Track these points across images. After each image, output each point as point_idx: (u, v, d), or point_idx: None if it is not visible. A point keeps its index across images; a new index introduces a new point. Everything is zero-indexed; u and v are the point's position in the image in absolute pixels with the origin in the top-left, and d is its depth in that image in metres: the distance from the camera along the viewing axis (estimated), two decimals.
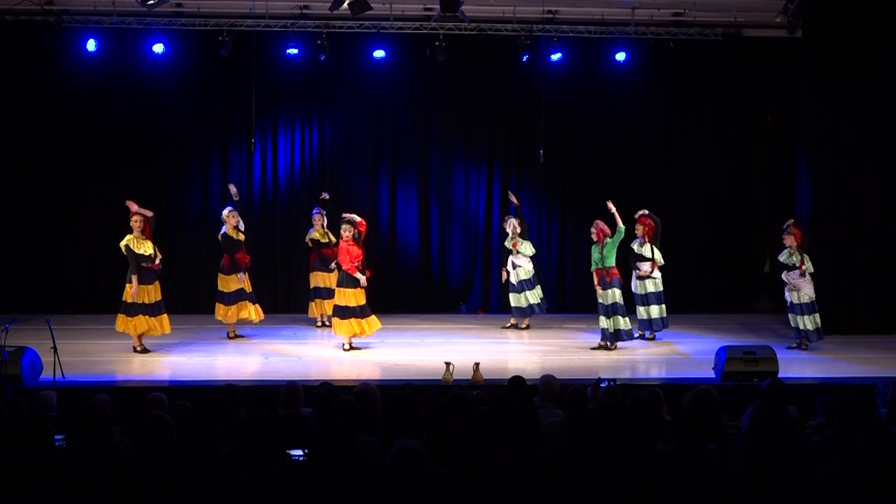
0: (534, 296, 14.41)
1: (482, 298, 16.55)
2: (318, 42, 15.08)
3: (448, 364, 10.80)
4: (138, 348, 12.56)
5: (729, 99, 16.57)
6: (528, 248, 14.37)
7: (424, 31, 15.34)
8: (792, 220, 13.28)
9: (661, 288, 13.49)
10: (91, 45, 14.96)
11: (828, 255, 14.53)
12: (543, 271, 16.23)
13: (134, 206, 12.66)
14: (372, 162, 16.45)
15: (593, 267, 12.96)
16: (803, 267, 12.89)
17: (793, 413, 7.27)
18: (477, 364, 10.86)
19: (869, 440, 5.26)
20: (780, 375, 10.00)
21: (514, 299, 14.40)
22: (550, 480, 5.15)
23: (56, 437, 5.86)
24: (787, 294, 13.18)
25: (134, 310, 12.49)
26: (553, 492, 5.10)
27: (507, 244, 14.43)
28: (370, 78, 16.11)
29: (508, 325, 14.58)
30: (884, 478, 5.13)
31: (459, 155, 16.57)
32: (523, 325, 14.52)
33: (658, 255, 13.46)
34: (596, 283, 12.88)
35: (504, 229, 14.58)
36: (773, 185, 16.62)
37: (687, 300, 16.14)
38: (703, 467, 5.44)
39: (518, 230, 14.40)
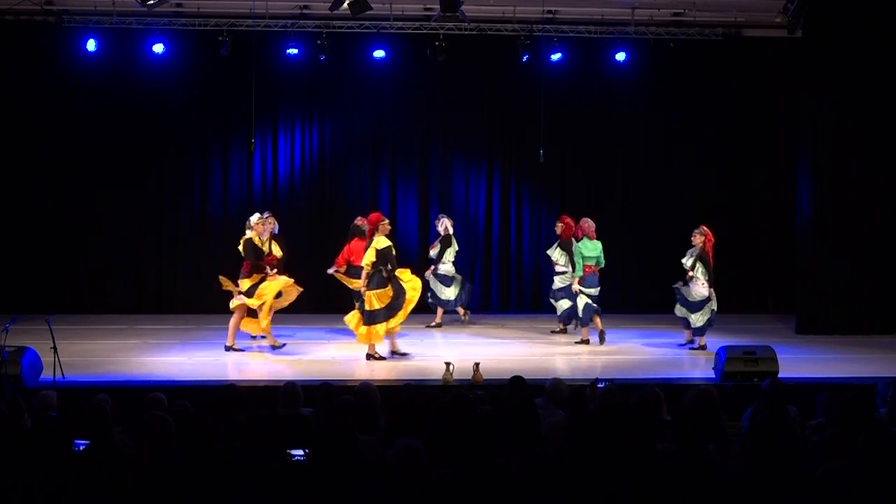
0: (451, 292, 14.61)
1: (482, 298, 16.56)
2: (318, 42, 15.08)
3: (448, 364, 10.81)
4: (375, 356, 12.21)
5: (729, 99, 16.56)
6: (448, 252, 14.46)
7: (424, 31, 15.34)
8: (704, 225, 13.20)
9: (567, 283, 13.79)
10: (91, 45, 14.96)
11: (828, 255, 14.55)
12: (543, 271, 16.26)
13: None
14: (372, 162, 16.46)
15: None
16: (690, 273, 12.89)
17: (793, 413, 7.27)
18: (477, 364, 10.86)
19: (869, 440, 5.26)
20: (780, 375, 9.99)
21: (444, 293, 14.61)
22: (550, 480, 5.15)
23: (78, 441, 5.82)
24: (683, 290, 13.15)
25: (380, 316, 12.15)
26: (553, 492, 5.10)
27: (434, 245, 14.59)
28: (370, 78, 16.12)
29: (434, 323, 14.69)
30: (884, 478, 5.13)
31: (459, 155, 16.58)
32: (438, 321, 14.71)
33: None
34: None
35: (438, 227, 14.59)
36: (773, 185, 16.62)
37: None
38: (703, 467, 5.43)
39: (450, 231, 14.46)
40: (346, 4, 12.92)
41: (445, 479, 5.11)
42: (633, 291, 16.39)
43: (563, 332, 14.03)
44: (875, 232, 14.70)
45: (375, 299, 12.06)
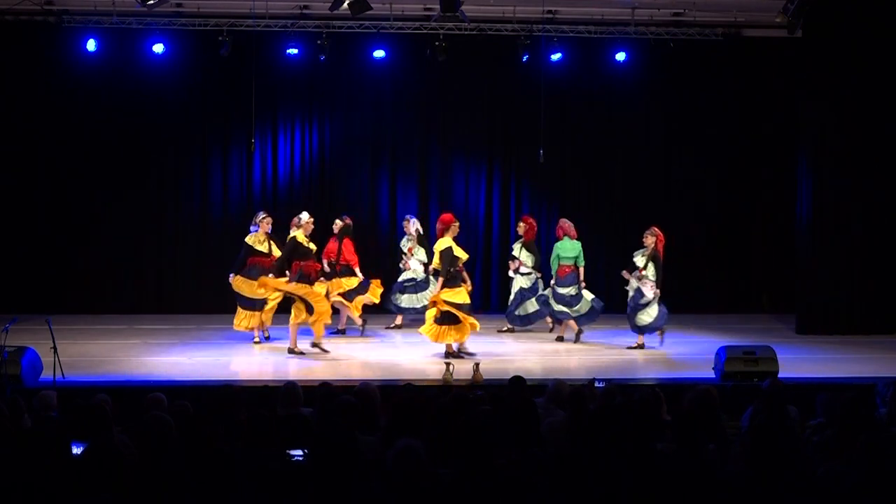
0: (423, 298, 14.21)
1: (482, 298, 16.54)
2: (318, 42, 15.08)
3: (448, 364, 10.82)
4: (464, 352, 12.41)
5: (729, 99, 16.57)
6: (422, 253, 14.27)
7: (424, 31, 15.34)
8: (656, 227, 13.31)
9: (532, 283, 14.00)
10: (91, 45, 14.96)
11: (827, 255, 14.56)
12: (543, 271, 16.28)
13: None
14: (372, 162, 16.46)
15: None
16: (643, 272, 12.99)
17: (793, 413, 7.27)
18: (477, 364, 10.88)
19: (869, 440, 5.26)
20: (780, 375, 9.99)
21: (408, 300, 14.25)
22: (550, 480, 5.15)
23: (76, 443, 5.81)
24: (630, 292, 13.22)
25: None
26: (553, 492, 5.10)
27: (404, 246, 14.38)
28: (370, 78, 16.12)
29: (394, 325, 14.52)
30: (884, 478, 5.13)
31: (459, 155, 16.58)
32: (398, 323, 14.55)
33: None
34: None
35: (408, 229, 14.39)
36: (774, 185, 16.63)
37: (687, 300, 16.15)
38: (703, 467, 5.43)
39: (421, 232, 14.39)
40: (346, 4, 12.92)
41: (445, 479, 5.11)
42: None
43: (552, 331, 14.10)
44: (875, 232, 14.70)
45: (451, 298, 12.17)
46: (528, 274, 13.93)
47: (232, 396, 7.26)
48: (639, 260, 13.09)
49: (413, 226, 14.39)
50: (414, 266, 14.21)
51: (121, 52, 15.36)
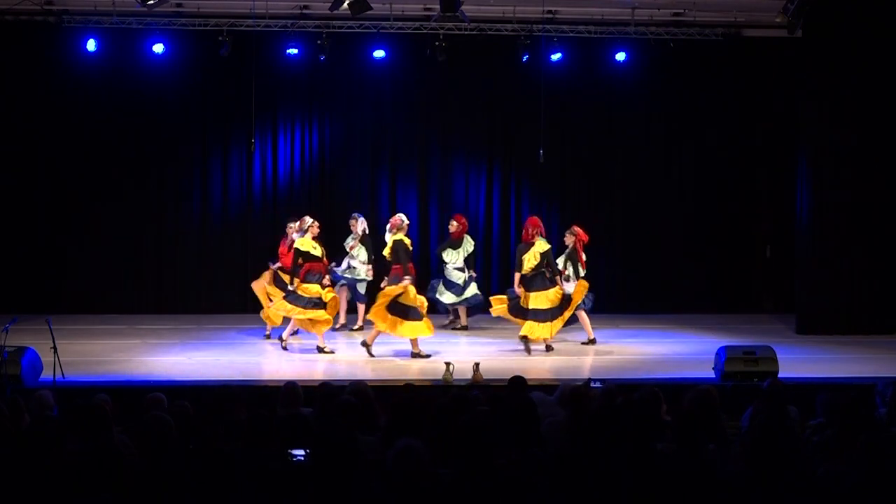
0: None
1: (482, 298, 16.53)
2: (318, 42, 15.08)
3: (448, 364, 10.81)
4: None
5: (729, 99, 16.56)
6: (363, 253, 14.21)
7: (424, 31, 15.34)
8: (576, 224, 13.50)
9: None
10: (91, 45, 14.96)
11: (828, 255, 14.56)
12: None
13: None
14: (372, 162, 16.45)
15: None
16: (564, 272, 13.12)
17: (793, 413, 7.27)
18: (477, 364, 10.87)
19: (869, 440, 5.27)
20: (780, 375, 10.00)
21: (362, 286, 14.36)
22: (550, 480, 5.15)
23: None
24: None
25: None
26: (553, 492, 5.11)
27: (347, 244, 14.26)
28: (370, 78, 16.11)
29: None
30: (884, 478, 5.13)
31: (459, 155, 16.57)
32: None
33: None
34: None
35: (355, 228, 14.30)
36: (774, 185, 16.63)
37: (687, 300, 16.17)
38: (703, 467, 5.44)
39: (367, 232, 14.32)
40: (346, 4, 12.92)
41: (445, 479, 5.12)
42: (632, 291, 16.38)
43: (453, 323, 14.45)
44: (875, 232, 14.69)
45: (544, 300, 12.66)
46: (458, 270, 14.13)
47: (232, 396, 7.26)
48: (560, 262, 13.22)
49: (360, 225, 14.32)
50: (354, 265, 14.16)
51: (121, 52, 15.35)
